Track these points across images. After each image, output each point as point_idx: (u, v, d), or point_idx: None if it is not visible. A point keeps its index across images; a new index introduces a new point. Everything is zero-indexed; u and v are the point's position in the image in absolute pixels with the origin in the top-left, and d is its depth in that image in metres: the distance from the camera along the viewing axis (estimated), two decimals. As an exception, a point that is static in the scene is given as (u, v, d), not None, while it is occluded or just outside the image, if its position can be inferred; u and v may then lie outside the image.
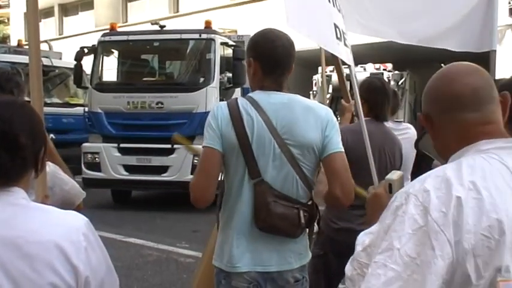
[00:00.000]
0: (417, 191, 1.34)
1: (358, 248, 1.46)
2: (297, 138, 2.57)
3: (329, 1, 3.33)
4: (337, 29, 3.33)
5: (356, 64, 3.68)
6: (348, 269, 1.46)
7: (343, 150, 2.65)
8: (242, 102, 2.62)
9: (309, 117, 2.60)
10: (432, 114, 1.55)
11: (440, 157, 1.55)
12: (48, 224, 1.59)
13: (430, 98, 1.58)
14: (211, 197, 2.65)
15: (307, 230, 2.73)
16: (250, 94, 2.71)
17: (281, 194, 2.59)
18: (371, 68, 15.94)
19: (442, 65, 26.33)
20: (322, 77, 5.54)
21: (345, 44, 3.39)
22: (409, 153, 4.04)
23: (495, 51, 4.72)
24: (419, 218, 1.29)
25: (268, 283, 2.61)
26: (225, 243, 2.65)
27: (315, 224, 3.51)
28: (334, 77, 17.09)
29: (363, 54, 11.23)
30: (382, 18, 4.48)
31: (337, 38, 3.30)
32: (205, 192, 2.61)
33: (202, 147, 2.62)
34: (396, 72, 16.85)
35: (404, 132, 4.42)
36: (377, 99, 3.84)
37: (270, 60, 2.64)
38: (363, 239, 1.47)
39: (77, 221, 1.65)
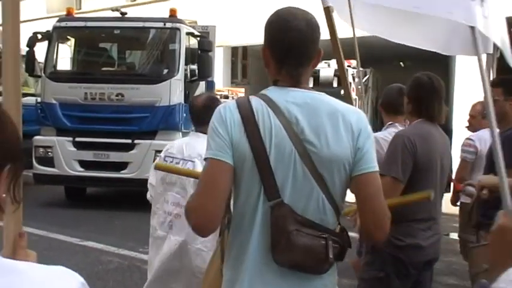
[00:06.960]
0: None
1: None
2: (323, 149, 2.00)
3: None
4: None
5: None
6: None
7: (378, 169, 2.07)
8: (256, 103, 2.04)
9: (338, 123, 2.03)
10: None
11: None
12: None
13: None
14: (219, 222, 2.10)
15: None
16: (264, 91, 2.11)
17: (305, 220, 2.01)
18: (335, 64, 15.53)
19: (401, 63, 26.47)
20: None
21: None
22: None
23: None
24: None
25: None
26: (236, 282, 2.09)
27: None
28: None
29: (328, 50, 10.81)
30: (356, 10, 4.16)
31: None
32: (214, 217, 2.02)
33: (206, 159, 2.03)
34: (361, 69, 16.48)
35: None
36: (428, 98, 3.40)
37: (280, 47, 2.06)
38: None
39: (69, 286, 1.08)
